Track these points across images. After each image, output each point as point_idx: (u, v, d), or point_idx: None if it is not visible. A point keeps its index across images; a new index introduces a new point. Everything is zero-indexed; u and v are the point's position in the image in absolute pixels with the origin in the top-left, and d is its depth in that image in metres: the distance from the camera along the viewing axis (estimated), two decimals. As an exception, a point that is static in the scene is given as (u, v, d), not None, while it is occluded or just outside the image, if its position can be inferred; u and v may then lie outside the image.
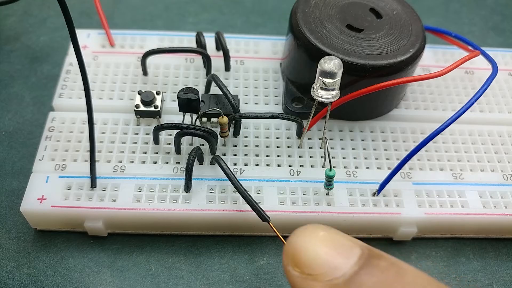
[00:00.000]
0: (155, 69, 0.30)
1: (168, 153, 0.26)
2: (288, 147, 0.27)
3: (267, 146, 0.27)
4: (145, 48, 0.30)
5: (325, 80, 0.23)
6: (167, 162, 0.26)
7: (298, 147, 0.27)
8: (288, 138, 0.27)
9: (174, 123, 0.26)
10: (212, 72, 0.28)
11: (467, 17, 0.39)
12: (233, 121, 0.26)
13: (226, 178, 0.23)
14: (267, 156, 0.26)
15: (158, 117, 0.27)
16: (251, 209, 0.23)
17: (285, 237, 0.23)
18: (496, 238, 0.27)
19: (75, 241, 0.25)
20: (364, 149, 0.27)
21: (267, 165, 0.26)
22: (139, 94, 0.27)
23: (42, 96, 0.31)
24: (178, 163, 0.26)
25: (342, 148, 0.27)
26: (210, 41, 0.30)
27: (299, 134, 0.27)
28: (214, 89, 0.27)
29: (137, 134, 0.27)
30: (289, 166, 0.26)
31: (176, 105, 0.25)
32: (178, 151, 0.26)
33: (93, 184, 0.24)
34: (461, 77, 0.31)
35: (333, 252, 0.16)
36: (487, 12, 0.39)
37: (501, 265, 0.26)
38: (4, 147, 0.28)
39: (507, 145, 0.28)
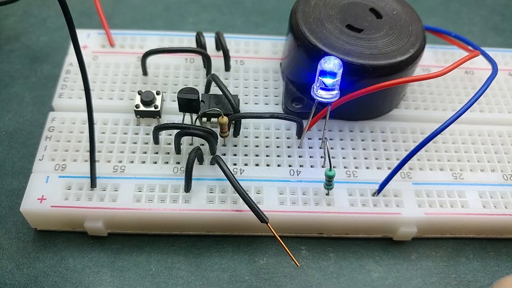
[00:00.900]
0: (155, 69, 0.30)
1: (168, 153, 0.26)
2: (288, 147, 0.27)
3: (267, 146, 0.27)
4: (145, 48, 0.30)
5: (325, 80, 0.23)
6: (167, 162, 0.26)
7: (298, 147, 0.27)
8: (288, 138, 0.27)
9: (174, 123, 0.26)
10: (212, 72, 0.28)
11: (467, 17, 0.39)
12: (233, 121, 0.26)
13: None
14: (267, 156, 0.26)
15: (158, 117, 0.27)
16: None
17: (284, 238, 0.24)
18: (496, 238, 0.27)
19: (75, 241, 0.25)
20: (364, 149, 0.27)
21: (267, 165, 0.26)
22: (139, 94, 0.27)
23: (42, 96, 0.31)
24: (178, 163, 0.26)
25: (342, 148, 0.27)
26: (210, 41, 0.30)
27: (299, 134, 0.27)
28: (214, 89, 0.27)
29: (137, 134, 0.27)
30: (289, 166, 0.26)
31: (176, 105, 0.26)
32: (178, 151, 0.26)
33: (93, 184, 0.24)
34: (461, 77, 0.31)
35: None
36: (487, 12, 0.39)
37: (501, 265, 0.26)
38: (4, 147, 0.28)
39: (507, 145, 0.28)
